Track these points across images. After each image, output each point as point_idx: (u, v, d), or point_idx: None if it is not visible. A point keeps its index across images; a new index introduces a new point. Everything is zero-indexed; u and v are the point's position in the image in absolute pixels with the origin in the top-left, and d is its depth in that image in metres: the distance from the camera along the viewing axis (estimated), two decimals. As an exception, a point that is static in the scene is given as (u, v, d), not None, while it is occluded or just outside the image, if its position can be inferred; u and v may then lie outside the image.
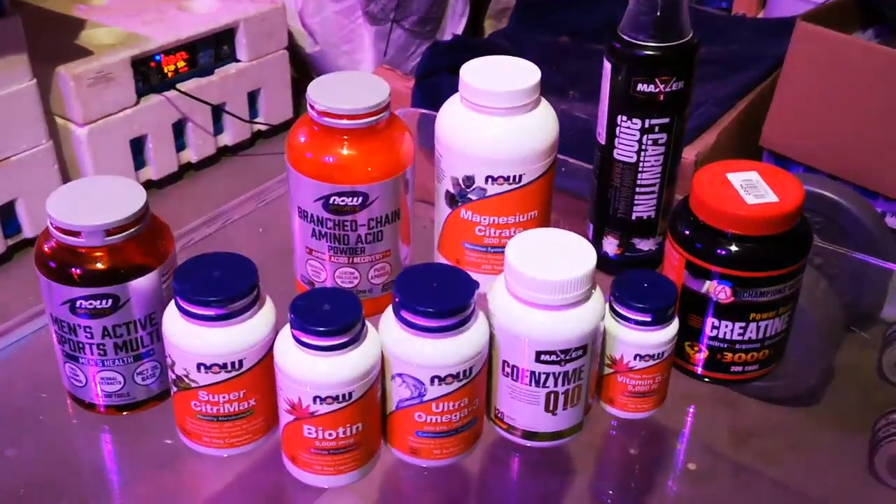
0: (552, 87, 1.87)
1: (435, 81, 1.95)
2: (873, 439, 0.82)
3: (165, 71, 2.16)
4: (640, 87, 0.77)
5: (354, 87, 0.78)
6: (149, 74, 2.12)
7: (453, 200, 0.80)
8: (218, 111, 2.32)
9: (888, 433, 0.84)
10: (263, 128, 2.45)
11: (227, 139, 2.38)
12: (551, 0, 2.51)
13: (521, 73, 0.79)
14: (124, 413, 0.74)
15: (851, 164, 1.67)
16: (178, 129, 2.24)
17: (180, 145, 2.27)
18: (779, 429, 0.89)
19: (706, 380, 0.78)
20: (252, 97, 2.40)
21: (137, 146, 2.15)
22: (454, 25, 2.67)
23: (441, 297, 0.66)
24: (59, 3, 2.28)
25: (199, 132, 2.28)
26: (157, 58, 2.13)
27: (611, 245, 0.86)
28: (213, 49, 2.27)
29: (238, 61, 2.33)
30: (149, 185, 2.19)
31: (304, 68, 2.64)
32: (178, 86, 2.18)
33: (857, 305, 1.09)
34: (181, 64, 2.19)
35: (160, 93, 2.15)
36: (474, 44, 2.34)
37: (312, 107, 0.75)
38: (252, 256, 0.70)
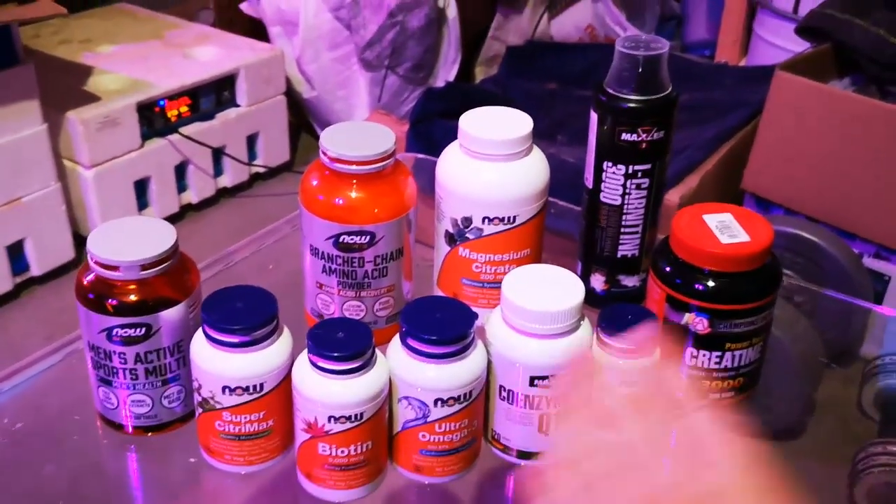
0: (540, 132, 1.90)
1: (428, 126, 1.99)
2: (853, 471, 0.85)
3: (169, 115, 2.21)
4: (623, 136, 0.82)
5: (363, 135, 0.83)
6: (153, 119, 2.17)
7: (452, 239, 0.85)
8: (218, 154, 2.36)
9: (867, 465, 0.85)
10: (261, 170, 2.49)
11: (226, 181, 2.42)
12: (539, 48, 2.58)
13: (516, 122, 0.84)
14: (150, 434, 0.80)
15: (829, 207, 1.72)
16: (180, 171, 2.29)
17: (182, 187, 2.31)
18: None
19: (687, 406, 0.84)
20: (251, 140, 2.44)
21: (141, 188, 2.20)
22: (446, 72, 2.72)
23: (444, 326, 0.72)
24: (67, 51, 2.33)
25: (199, 174, 2.32)
26: (162, 103, 2.18)
27: (598, 281, 0.91)
28: (214, 94, 2.32)
29: (238, 106, 2.38)
30: (151, 225, 2.23)
31: (301, 113, 2.69)
32: (181, 129, 2.23)
33: (837, 343, 1.13)
34: (184, 109, 2.24)
35: (163, 136, 2.20)
36: (466, 90, 2.40)
37: (325, 153, 0.81)
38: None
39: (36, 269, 2.04)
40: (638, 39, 0.82)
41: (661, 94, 0.82)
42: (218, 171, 2.40)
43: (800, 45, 1.99)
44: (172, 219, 2.29)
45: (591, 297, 0.90)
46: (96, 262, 0.73)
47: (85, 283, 0.74)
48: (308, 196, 0.83)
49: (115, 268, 0.72)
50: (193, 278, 0.77)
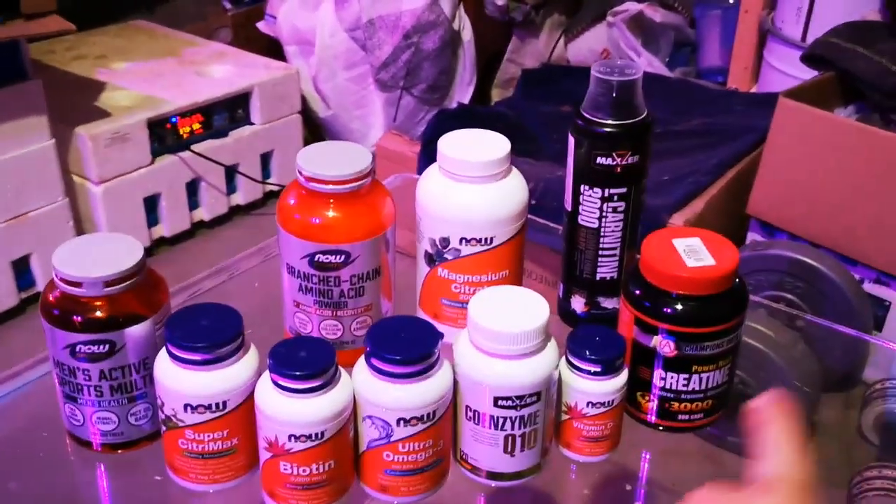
0: (553, 154, 1.93)
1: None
2: (849, 495, 0.86)
3: (181, 132, 2.22)
4: (599, 160, 0.82)
5: (340, 155, 0.83)
6: (164, 135, 2.19)
7: (431, 259, 0.86)
8: (231, 172, 2.38)
9: (862, 489, 0.87)
10: (275, 188, 2.50)
11: (239, 199, 2.43)
12: (555, 71, 2.59)
13: (494, 144, 0.85)
14: (118, 451, 0.80)
15: (832, 233, 1.72)
16: (192, 188, 2.30)
17: (193, 204, 2.32)
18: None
19: (660, 428, 0.83)
20: (265, 158, 2.46)
21: (151, 204, 2.21)
22: (462, 94, 2.73)
23: (407, 346, 0.72)
24: (81, 67, 2.35)
25: (212, 191, 2.34)
26: (174, 119, 2.20)
27: (578, 303, 0.91)
28: (228, 112, 2.33)
29: (252, 124, 2.40)
30: (161, 242, 2.26)
31: (317, 131, 2.71)
32: (193, 147, 2.24)
33: (838, 367, 1.13)
34: (196, 126, 2.26)
35: (175, 153, 2.22)
36: (479, 111, 2.40)
37: (301, 172, 0.81)
38: (248, 308, 0.76)
39: (41, 285, 2.05)
40: (613, 65, 0.82)
41: (636, 119, 0.82)
42: (231, 189, 2.41)
43: (808, 73, 1.99)
44: (184, 236, 2.32)
45: (571, 319, 0.91)
46: (60, 279, 0.73)
47: (50, 299, 0.75)
48: (284, 215, 0.83)
49: (78, 284, 0.73)
50: (162, 295, 0.78)
